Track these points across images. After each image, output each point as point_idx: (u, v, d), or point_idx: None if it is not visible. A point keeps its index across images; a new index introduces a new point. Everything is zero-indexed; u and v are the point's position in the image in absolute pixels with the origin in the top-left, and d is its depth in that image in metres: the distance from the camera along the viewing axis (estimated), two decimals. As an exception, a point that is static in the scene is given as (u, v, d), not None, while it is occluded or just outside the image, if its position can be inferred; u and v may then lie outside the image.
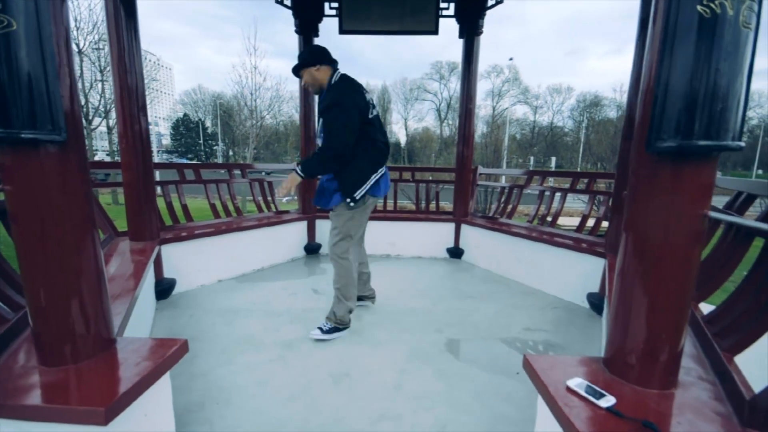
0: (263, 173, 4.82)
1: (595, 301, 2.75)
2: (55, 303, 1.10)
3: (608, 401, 1.02)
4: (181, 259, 2.99)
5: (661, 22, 0.97)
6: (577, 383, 1.10)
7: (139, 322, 2.07)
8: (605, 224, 3.26)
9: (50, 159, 1.05)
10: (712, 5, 0.90)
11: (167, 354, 1.21)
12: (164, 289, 2.81)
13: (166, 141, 52.62)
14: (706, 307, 1.76)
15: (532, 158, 36.13)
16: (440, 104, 42.91)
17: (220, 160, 40.37)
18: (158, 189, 3.18)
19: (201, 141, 45.98)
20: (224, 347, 2.17)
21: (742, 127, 0.95)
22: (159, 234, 2.84)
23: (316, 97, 2.31)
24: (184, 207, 3.35)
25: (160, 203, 3.16)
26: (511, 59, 43.62)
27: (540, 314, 2.75)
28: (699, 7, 0.90)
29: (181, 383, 1.82)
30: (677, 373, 1.13)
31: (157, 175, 3.46)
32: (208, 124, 47.13)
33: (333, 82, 2.11)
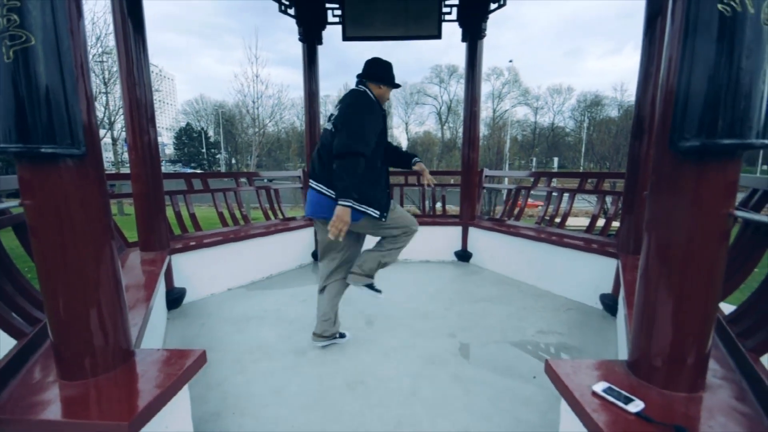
0: (266, 180, 4.84)
1: (609, 302, 2.72)
2: (75, 315, 1.10)
3: (637, 406, 1.01)
4: (191, 269, 2.99)
5: (680, 20, 0.97)
6: (603, 388, 1.08)
7: (153, 333, 2.06)
8: (615, 224, 3.24)
9: (69, 172, 1.05)
10: (733, 3, 0.89)
11: (186, 365, 1.20)
12: (175, 298, 2.81)
13: (170, 151, 53.03)
14: (725, 307, 1.74)
15: (534, 159, 36.10)
16: (441, 107, 43.00)
17: (223, 169, 40.59)
18: (167, 199, 3.20)
19: (204, 150, 46.29)
20: (238, 356, 2.16)
21: (767, 124, 0.94)
22: (169, 244, 2.85)
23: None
24: (193, 216, 3.36)
25: (169, 213, 3.17)
26: (510, 61, 43.69)
27: (553, 316, 2.73)
28: (719, 6, 0.89)
29: (198, 393, 1.81)
30: (705, 375, 1.11)
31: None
32: (211, 133, 47.46)
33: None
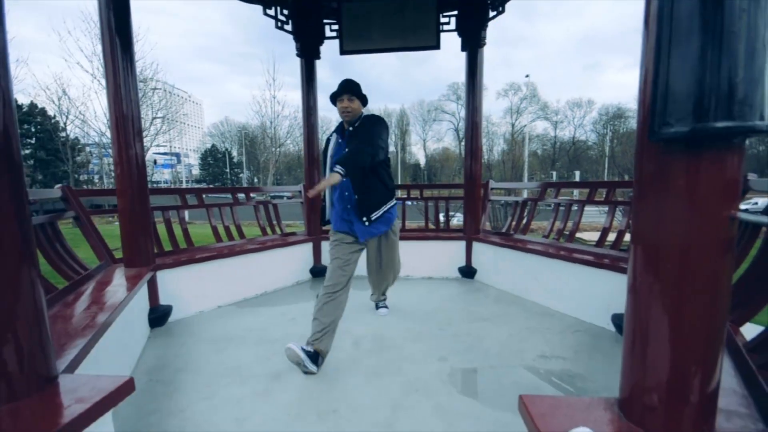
0: (285, 197, 4.69)
1: (621, 323, 2.44)
2: (-17, 338, 0.99)
3: (622, 459, 0.80)
4: (179, 285, 2.91)
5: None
6: (582, 433, 0.88)
7: (117, 354, 1.96)
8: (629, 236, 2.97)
9: (-23, 181, 0.97)
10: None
11: (107, 393, 1.07)
12: (159, 316, 2.72)
13: (196, 171, 55.01)
14: (751, 330, 1.48)
15: (554, 173, 35.34)
16: (458, 123, 43.02)
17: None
18: (161, 214, 3.17)
19: (227, 170, 47.76)
20: (209, 380, 2.03)
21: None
22: (154, 260, 2.78)
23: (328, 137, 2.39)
24: (185, 231, 3.31)
25: (162, 229, 3.13)
26: (527, 76, 43.38)
27: (558, 338, 2.47)
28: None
29: (156, 420, 1.68)
30: (713, 418, 0.89)
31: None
32: (234, 153, 49.04)
33: (365, 115, 2.31)
